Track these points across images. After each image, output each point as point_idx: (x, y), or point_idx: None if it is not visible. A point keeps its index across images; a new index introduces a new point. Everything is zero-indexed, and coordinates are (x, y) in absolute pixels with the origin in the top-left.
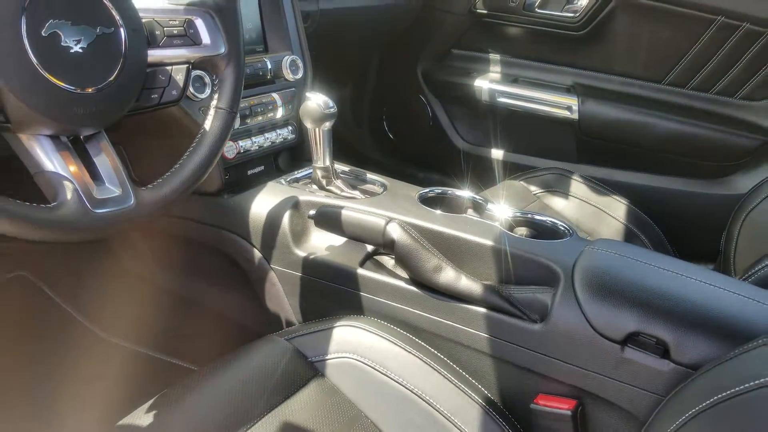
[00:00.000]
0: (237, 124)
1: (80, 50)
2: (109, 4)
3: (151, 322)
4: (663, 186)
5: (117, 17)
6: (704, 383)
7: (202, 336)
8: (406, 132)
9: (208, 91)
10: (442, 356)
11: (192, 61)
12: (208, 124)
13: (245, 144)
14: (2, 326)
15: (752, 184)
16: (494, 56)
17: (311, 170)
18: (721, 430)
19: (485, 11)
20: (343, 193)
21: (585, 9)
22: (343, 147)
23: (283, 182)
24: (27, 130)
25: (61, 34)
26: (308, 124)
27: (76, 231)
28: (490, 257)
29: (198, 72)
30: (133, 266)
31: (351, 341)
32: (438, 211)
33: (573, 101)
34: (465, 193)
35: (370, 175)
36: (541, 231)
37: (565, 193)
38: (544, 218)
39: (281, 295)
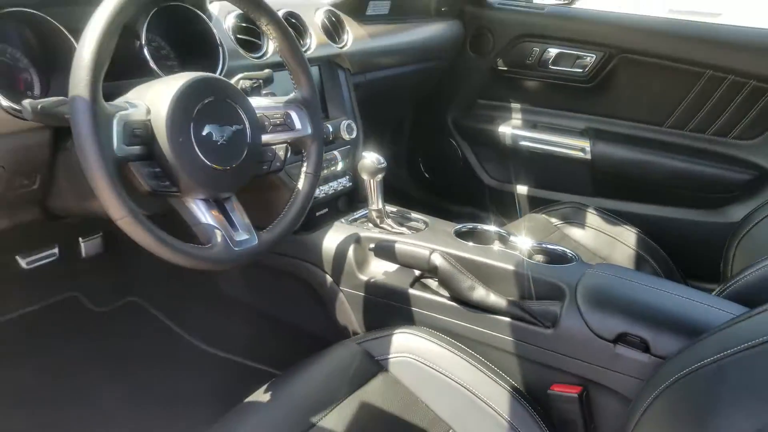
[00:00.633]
0: None
1: (224, 142)
2: (239, 109)
3: (243, 335)
4: (668, 215)
5: (243, 117)
6: (668, 368)
7: (285, 345)
8: (440, 171)
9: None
10: (477, 355)
11: (289, 141)
12: (301, 185)
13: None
14: (118, 342)
15: (744, 213)
16: (515, 105)
17: (367, 211)
18: (678, 403)
19: (506, 68)
20: (394, 230)
21: (591, 65)
22: (386, 186)
23: (344, 222)
24: (190, 196)
25: (213, 132)
26: (365, 176)
27: (223, 263)
28: (512, 278)
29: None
30: (228, 290)
31: (407, 344)
32: (470, 243)
33: (586, 143)
34: (492, 227)
35: (413, 214)
36: (553, 257)
37: (581, 224)
38: (555, 247)
39: (348, 311)
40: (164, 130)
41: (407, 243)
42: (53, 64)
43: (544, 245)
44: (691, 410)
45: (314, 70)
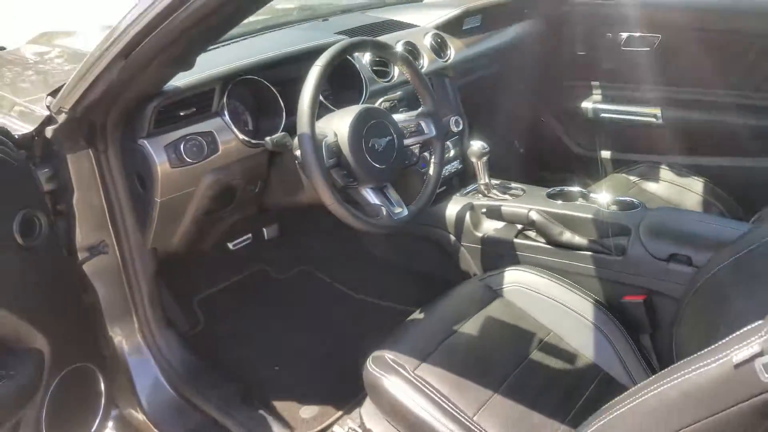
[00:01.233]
0: None
1: (382, 149)
2: (389, 125)
3: (389, 285)
4: (730, 164)
5: (392, 130)
6: (700, 274)
7: (421, 289)
8: (533, 146)
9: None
10: (567, 281)
11: (421, 143)
12: (431, 171)
13: None
14: (295, 298)
15: None
16: (594, 83)
17: (476, 186)
18: (706, 297)
19: (584, 53)
20: (499, 197)
21: (660, 44)
22: (489, 164)
23: (459, 195)
24: (363, 186)
25: (375, 143)
26: (473, 159)
27: (387, 229)
28: (591, 223)
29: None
30: (376, 252)
31: (516, 278)
32: (559, 201)
33: (657, 110)
34: (576, 188)
35: (513, 184)
36: (624, 206)
37: (656, 179)
38: (625, 198)
39: (469, 260)
40: (347, 146)
41: (511, 205)
42: (260, 108)
43: (616, 197)
44: (715, 301)
45: None
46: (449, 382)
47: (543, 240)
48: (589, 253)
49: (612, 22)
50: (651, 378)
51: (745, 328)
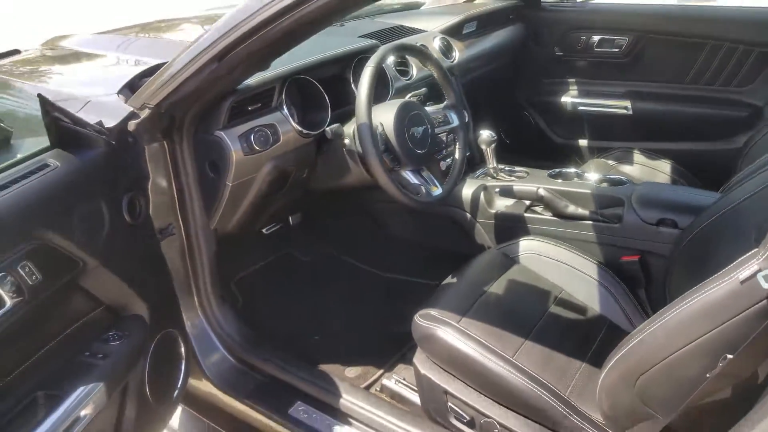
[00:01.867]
0: None
1: (419, 136)
2: (423, 116)
3: (411, 261)
4: (692, 148)
5: (426, 120)
6: (684, 234)
7: (440, 263)
8: (516, 137)
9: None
10: (574, 247)
11: (448, 131)
12: (457, 156)
13: None
14: (321, 279)
15: (745, 139)
16: (571, 80)
17: (485, 169)
18: (691, 253)
19: (562, 54)
20: (508, 179)
21: (626, 45)
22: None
23: (472, 177)
24: (406, 168)
25: (414, 132)
26: (483, 147)
27: (427, 205)
28: (591, 198)
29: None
30: (396, 231)
31: (529, 246)
32: (559, 180)
33: (627, 103)
34: (571, 169)
35: (517, 168)
36: (613, 183)
37: (630, 162)
38: (614, 176)
39: (484, 234)
40: (393, 134)
41: (522, 184)
42: (305, 103)
43: (606, 176)
44: (699, 255)
45: None
46: (488, 331)
47: (550, 213)
48: (590, 222)
49: (585, 26)
50: (668, 306)
51: (744, 256)
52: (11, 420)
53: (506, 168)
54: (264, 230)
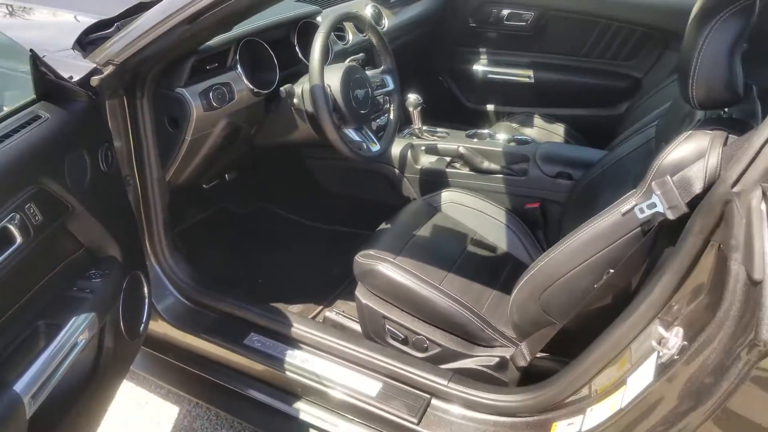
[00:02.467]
0: None
1: (361, 98)
2: (365, 80)
3: (342, 213)
4: (583, 114)
5: (366, 83)
6: (577, 185)
7: (370, 214)
8: (434, 101)
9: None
10: (487, 197)
11: (385, 93)
12: (392, 116)
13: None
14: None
15: (626, 107)
16: (483, 50)
17: (411, 129)
18: (581, 199)
19: (475, 25)
20: (431, 138)
21: (532, 20)
22: None
23: (399, 136)
24: (350, 126)
25: (357, 93)
26: (410, 109)
27: (368, 159)
28: (502, 155)
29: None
30: (327, 185)
31: (450, 197)
32: (475, 139)
33: (530, 72)
34: (485, 130)
35: (438, 129)
36: (520, 141)
37: (531, 125)
38: (520, 137)
39: (410, 188)
40: (340, 95)
41: (444, 143)
42: (255, 63)
43: (515, 136)
44: (588, 200)
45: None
46: (419, 266)
47: (467, 168)
48: (501, 176)
49: (497, 0)
50: (566, 236)
51: (624, 196)
52: (19, 346)
53: (429, 128)
54: (205, 185)
